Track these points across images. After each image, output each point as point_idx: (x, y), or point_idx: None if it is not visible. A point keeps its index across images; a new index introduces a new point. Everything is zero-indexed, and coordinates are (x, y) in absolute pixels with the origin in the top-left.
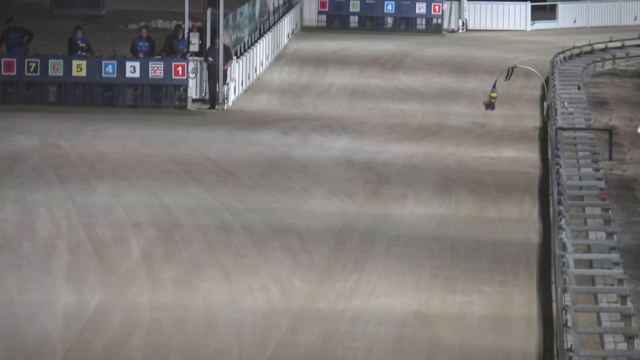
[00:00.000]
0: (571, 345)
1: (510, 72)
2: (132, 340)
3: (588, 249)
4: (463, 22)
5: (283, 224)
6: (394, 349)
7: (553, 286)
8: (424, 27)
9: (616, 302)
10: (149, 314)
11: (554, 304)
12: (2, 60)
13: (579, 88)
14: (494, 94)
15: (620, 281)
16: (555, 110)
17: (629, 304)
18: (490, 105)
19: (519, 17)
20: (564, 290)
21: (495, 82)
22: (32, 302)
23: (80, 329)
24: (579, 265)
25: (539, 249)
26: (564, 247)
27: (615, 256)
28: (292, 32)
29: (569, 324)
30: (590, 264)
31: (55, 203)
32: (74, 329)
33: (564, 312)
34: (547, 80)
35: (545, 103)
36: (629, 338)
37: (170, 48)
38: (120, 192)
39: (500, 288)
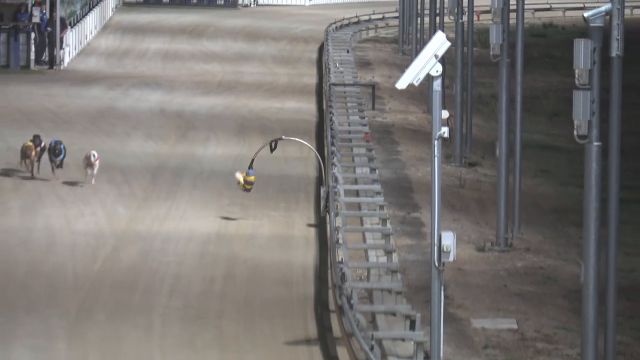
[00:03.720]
0: (342, 259)
1: (274, 144)
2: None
3: (355, 181)
4: None
5: (109, 162)
6: (200, 262)
7: (329, 211)
8: (222, 2)
9: (378, 224)
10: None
11: (328, 226)
12: None
13: (347, 52)
14: (250, 178)
15: (381, 207)
16: (329, 69)
17: (388, 225)
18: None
19: None
20: (336, 215)
21: (252, 161)
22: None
23: None
24: (348, 194)
25: (315, 181)
26: (336, 180)
27: (377, 187)
28: (116, 7)
29: (340, 241)
30: (357, 193)
31: None
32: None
33: (336, 232)
34: (320, 157)
35: (322, 190)
36: (388, 252)
37: (15, 19)
38: None
39: (284, 213)
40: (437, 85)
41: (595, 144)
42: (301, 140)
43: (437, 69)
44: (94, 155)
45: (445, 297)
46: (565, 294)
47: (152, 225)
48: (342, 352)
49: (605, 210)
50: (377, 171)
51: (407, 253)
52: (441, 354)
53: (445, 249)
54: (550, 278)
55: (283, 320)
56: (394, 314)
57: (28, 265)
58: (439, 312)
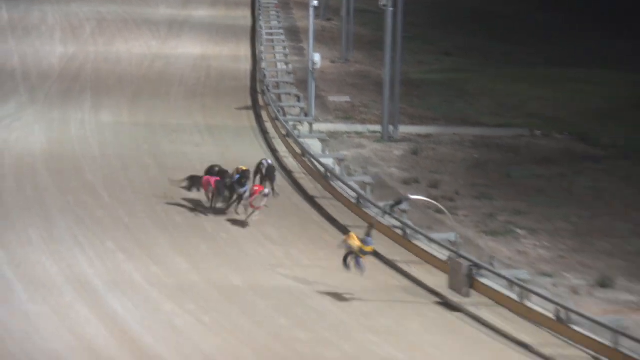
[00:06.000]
0: (264, 67)
1: (398, 203)
2: (86, 65)
3: (270, 28)
4: None
5: (147, 19)
6: (193, 69)
7: (257, 43)
8: None
9: (281, 50)
10: (94, 56)
11: (257, 50)
12: None
13: None
14: (368, 248)
15: (283, 41)
16: None
17: (287, 50)
18: (357, 264)
19: None
20: (261, 44)
21: (372, 228)
22: (42, 53)
23: (66, 61)
24: (267, 35)
25: (251, 29)
26: (261, 27)
27: (281, 31)
28: None
29: (263, 57)
30: (271, 34)
31: (57, 12)
32: (63, 62)
33: (260, 53)
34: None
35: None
36: (287, 63)
37: None
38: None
39: (236, 45)
40: None
41: (390, 9)
42: (429, 200)
43: None
44: (263, 194)
45: (315, 86)
46: (375, 84)
47: (170, 50)
48: (264, 113)
49: (395, 42)
50: (281, 23)
51: (296, 64)
52: (313, 113)
53: (315, 62)
54: (367, 76)
55: (235, 97)
56: (289, 94)
57: (107, 71)
58: (312, 93)
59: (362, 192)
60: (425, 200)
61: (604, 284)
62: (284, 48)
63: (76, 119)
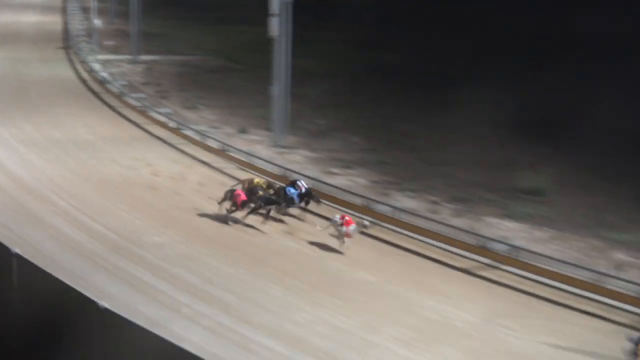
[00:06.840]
0: (69, 27)
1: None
2: (27, 30)
3: (73, 7)
4: None
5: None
6: (34, 29)
7: (66, 15)
8: None
9: (79, 16)
10: (33, 23)
11: (66, 19)
12: None
13: None
14: None
15: (79, 14)
16: None
17: (81, 19)
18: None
19: None
20: (67, 15)
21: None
22: (11, 20)
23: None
24: (71, 11)
25: (62, 8)
26: (67, 6)
27: (78, 8)
28: None
29: (69, 22)
30: (73, 10)
31: None
32: (35, 25)
33: (67, 20)
34: None
35: None
36: (81, 25)
37: None
38: None
39: (54, 16)
40: None
41: None
42: None
43: None
44: (363, 224)
45: (97, 36)
46: (127, 35)
47: (23, 19)
48: (70, 51)
49: (139, 13)
50: (78, 4)
51: (86, 25)
52: (96, 50)
53: (97, 24)
54: (124, 32)
55: (55, 43)
56: (83, 41)
57: (15, 30)
58: (96, 39)
59: (122, 90)
60: None
61: (243, 131)
62: (80, 17)
63: None
